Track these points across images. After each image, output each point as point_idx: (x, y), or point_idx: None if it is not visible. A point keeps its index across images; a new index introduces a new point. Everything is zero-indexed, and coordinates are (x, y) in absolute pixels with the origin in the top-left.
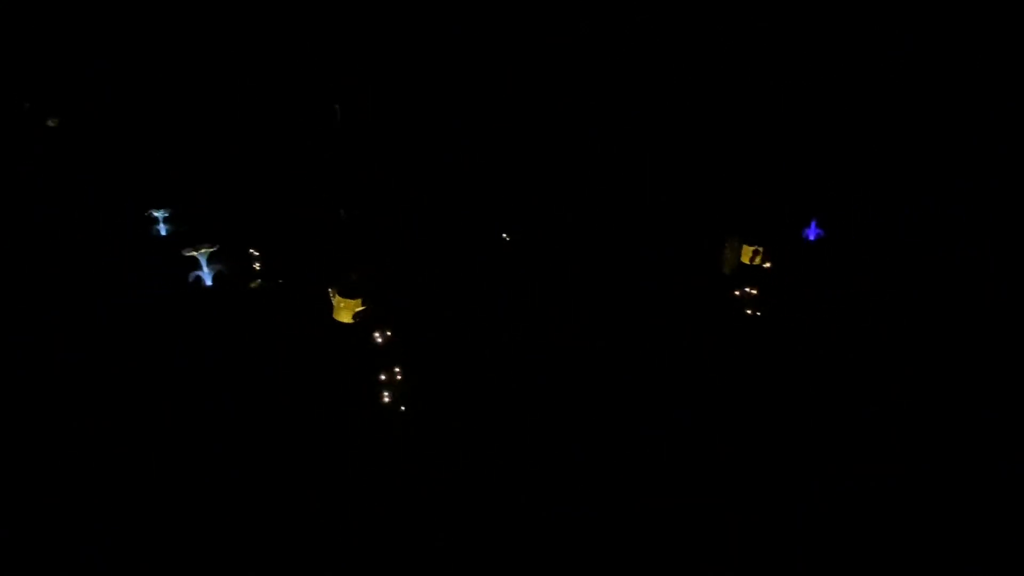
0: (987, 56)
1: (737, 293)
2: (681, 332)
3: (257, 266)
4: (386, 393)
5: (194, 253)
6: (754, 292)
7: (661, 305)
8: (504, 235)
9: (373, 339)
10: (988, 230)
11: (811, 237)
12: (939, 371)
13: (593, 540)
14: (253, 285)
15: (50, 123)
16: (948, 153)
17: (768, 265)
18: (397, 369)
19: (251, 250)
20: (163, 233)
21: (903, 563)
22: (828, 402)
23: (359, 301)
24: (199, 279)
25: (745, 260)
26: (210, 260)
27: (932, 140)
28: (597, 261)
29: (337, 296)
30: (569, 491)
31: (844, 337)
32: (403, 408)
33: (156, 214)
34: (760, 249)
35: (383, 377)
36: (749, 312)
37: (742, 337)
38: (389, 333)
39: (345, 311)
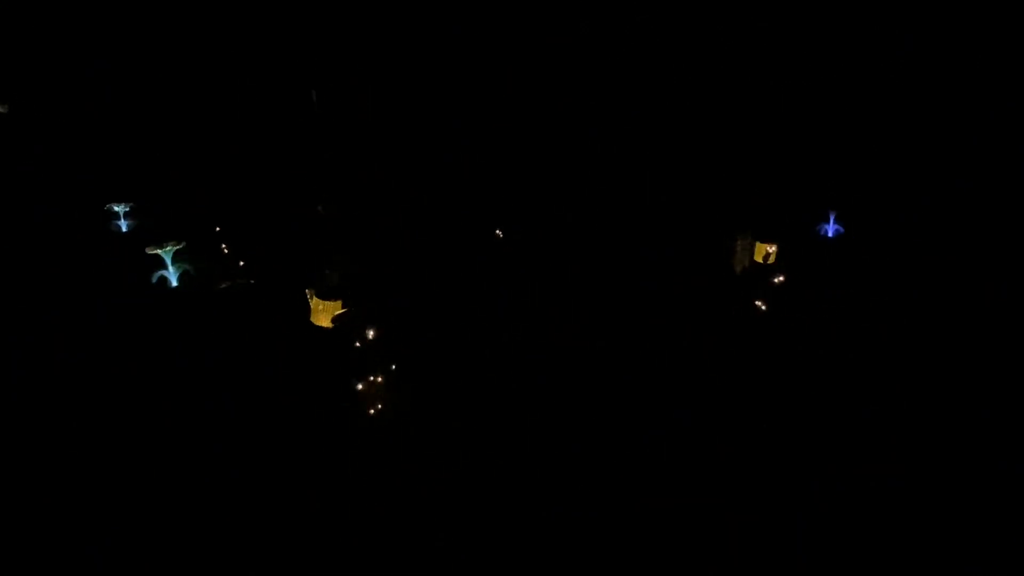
0: (987, 56)
1: (749, 293)
2: (681, 332)
3: (227, 265)
4: (381, 395)
5: (158, 251)
6: (767, 291)
7: (661, 305)
8: (502, 234)
9: (355, 344)
10: (988, 231)
11: (829, 234)
12: (939, 371)
13: (593, 540)
14: (223, 286)
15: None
16: (951, 154)
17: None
18: (379, 377)
19: (221, 247)
20: (124, 229)
21: (903, 563)
22: (828, 402)
23: (339, 303)
24: (164, 279)
25: (758, 259)
26: (175, 258)
27: (938, 141)
28: (597, 261)
29: (315, 298)
30: (569, 491)
31: (843, 337)
32: (392, 411)
33: (116, 208)
34: (773, 247)
35: (373, 380)
36: (759, 311)
37: (742, 337)
38: (372, 337)
39: (324, 314)
